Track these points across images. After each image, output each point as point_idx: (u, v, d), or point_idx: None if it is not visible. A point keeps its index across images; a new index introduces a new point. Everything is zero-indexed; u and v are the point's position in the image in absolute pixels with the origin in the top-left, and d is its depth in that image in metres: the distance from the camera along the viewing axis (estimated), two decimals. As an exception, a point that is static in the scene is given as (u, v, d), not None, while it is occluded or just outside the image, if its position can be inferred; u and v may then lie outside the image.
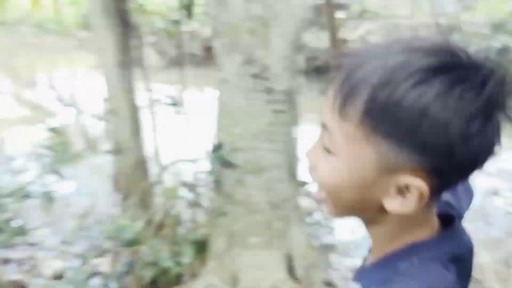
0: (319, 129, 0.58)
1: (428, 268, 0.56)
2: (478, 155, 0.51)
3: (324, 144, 0.56)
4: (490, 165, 0.53)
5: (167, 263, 2.13)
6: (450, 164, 0.51)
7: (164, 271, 2.18)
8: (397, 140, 0.50)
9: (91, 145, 2.96)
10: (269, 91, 2.20)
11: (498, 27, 4.28)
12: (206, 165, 2.32)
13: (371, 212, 0.58)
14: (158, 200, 2.66)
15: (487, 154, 0.52)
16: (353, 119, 0.51)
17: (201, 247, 2.32)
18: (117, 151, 2.75)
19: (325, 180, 0.58)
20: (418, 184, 0.51)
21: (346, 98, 0.51)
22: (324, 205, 0.62)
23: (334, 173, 0.56)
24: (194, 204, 2.49)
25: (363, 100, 0.49)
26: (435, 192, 0.54)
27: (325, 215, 0.62)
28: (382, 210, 0.56)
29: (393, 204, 0.55)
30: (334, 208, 0.61)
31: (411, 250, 0.58)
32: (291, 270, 2.29)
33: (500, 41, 4.00)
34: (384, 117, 0.49)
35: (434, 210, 0.60)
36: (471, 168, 0.53)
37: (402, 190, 0.53)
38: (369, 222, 0.61)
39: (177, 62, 5.15)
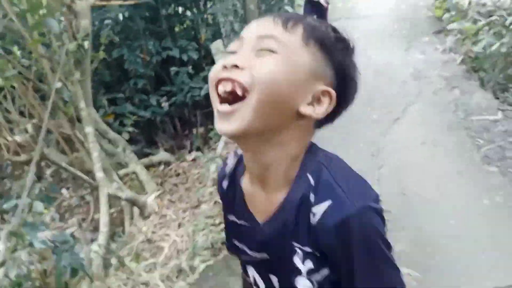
0: (246, 42, 0.73)
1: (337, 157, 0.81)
2: (355, 94, 0.79)
3: (263, 48, 0.72)
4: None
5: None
6: (345, 90, 0.77)
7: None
8: (325, 55, 0.75)
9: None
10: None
11: None
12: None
13: (284, 117, 0.73)
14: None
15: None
16: (297, 33, 0.74)
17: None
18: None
19: (264, 73, 0.70)
20: (332, 92, 0.74)
21: (286, 20, 0.74)
22: (239, 112, 0.70)
23: (275, 67, 0.70)
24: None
25: (303, 26, 0.74)
26: (334, 112, 0.77)
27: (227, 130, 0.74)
28: (293, 118, 0.74)
29: (308, 109, 0.74)
30: (253, 109, 0.70)
31: (315, 154, 0.80)
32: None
33: None
34: (319, 37, 0.75)
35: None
36: (350, 103, 0.80)
37: (317, 98, 0.74)
38: (274, 134, 0.75)
39: None
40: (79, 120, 3.72)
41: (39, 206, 3.07)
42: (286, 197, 0.79)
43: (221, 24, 4.94)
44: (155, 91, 5.83)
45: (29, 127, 3.89)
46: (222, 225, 3.34)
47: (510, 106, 4.04)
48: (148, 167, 4.79)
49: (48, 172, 4.67)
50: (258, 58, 0.72)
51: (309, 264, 0.77)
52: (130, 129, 4.66)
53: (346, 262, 0.73)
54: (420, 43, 6.12)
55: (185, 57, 5.24)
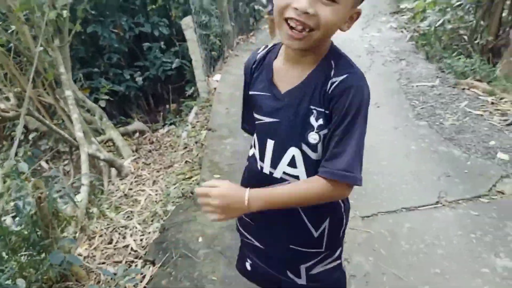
0: None
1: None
2: None
3: None
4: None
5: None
6: None
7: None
8: None
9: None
10: None
11: None
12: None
13: (328, 37, 1.04)
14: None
15: None
16: None
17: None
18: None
19: (328, 20, 0.97)
20: (360, 10, 1.05)
21: None
22: (307, 38, 0.99)
23: (336, 15, 0.97)
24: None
25: None
26: None
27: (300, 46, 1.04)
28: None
29: (345, 27, 1.04)
30: (314, 40, 1.00)
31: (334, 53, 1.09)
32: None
33: None
34: None
35: None
36: None
37: (351, 19, 1.04)
38: (316, 47, 1.04)
39: None
40: (58, 86, 4.07)
41: (24, 166, 3.44)
42: (310, 72, 1.08)
43: (191, 2, 5.32)
44: (129, 66, 6.18)
45: (11, 95, 4.21)
46: (193, 179, 3.80)
47: (448, 74, 4.60)
48: (123, 135, 5.17)
49: (30, 137, 4.99)
50: (323, 6, 0.96)
51: (320, 121, 1.06)
52: (105, 97, 5.02)
53: (343, 116, 1.01)
54: (378, 22, 6.66)
55: (156, 33, 5.61)
